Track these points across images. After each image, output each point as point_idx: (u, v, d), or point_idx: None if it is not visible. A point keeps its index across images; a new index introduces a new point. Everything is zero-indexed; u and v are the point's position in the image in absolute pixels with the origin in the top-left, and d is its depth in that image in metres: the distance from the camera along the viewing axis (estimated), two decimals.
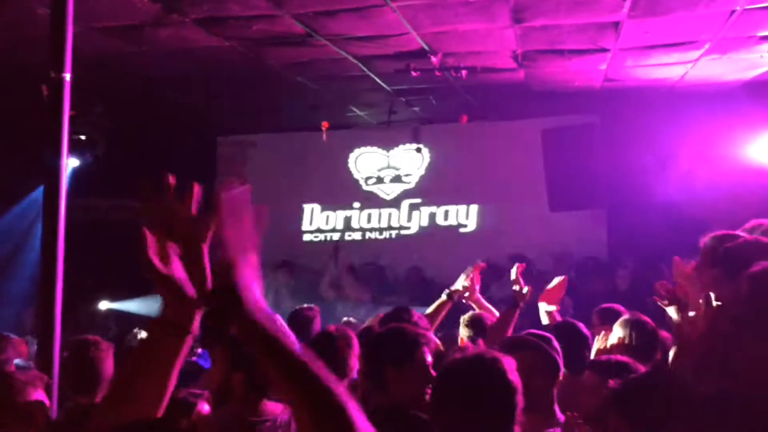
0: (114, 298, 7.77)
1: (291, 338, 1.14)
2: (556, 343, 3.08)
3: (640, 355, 3.94)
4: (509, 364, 2.05)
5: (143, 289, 7.56)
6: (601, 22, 4.89)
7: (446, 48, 5.50)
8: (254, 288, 1.16)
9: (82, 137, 6.29)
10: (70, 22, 2.99)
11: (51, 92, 3.01)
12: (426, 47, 5.44)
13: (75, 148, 6.35)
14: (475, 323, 4.08)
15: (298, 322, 4.87)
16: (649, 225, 7.97)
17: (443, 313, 4.29)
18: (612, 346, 4.11)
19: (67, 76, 3.01)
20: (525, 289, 4.07)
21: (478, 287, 4.28)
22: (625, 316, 4.14)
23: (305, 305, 5.37)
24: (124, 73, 6.08)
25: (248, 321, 1.14)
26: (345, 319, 5.31)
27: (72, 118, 3.15)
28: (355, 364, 3.31)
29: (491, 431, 1.98)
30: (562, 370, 3.03)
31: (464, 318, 4.15)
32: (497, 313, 4.18)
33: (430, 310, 4.28)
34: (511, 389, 2.00)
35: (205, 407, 2.48)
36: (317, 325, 4.77)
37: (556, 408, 2.94)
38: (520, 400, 2.01)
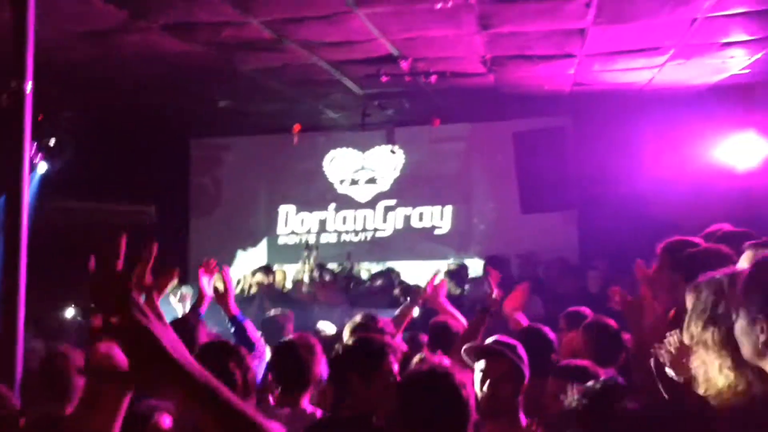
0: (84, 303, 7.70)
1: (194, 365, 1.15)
2: (521, 350, 3.14)
3: (603, 359, 4.02)
4: (461, 379, 2.10)
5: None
6: (566, 29, 4.96)
7: (416, 53, 5.55)
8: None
9: (51, 142, 6.24)
10: (31, 30, 2.98)
11: (12, 101, 3.00)
12: (395, 52, 5.48)
13: (44, 153, 6.32)
14: (433, 330, 4.12)
15: (270, 328, 4.90)
16: (619, 226, 8.08)
17: (408, 317, 4.34)
18: (576, 349, 4.19)
19: (29, 86, 3.00)
20: (495, 294, 4.12)
21: (443, 292, 4.32)
22: (588, 320, 4.22)
23: (278, 311, 5.40)
24: (93, 76, 6.05)
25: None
26: (318, 326, 5.33)
27: (40, 123, 3.14)
28: (319, 371, 3.34)
29: None
30: (528, 377, 3.10)
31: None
32: (462, 319, 4.23)
33: (396, 313, 4.33)
34: (462, 405, 2.06)
35: (165, 420, 2.47)
36: (289, 331, 4.80)
37: (521, 414, 3.01)
38: (472, 413, 2.06)
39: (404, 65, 5.74)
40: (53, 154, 6.60)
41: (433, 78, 6.09)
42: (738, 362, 1.73)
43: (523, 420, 2.99)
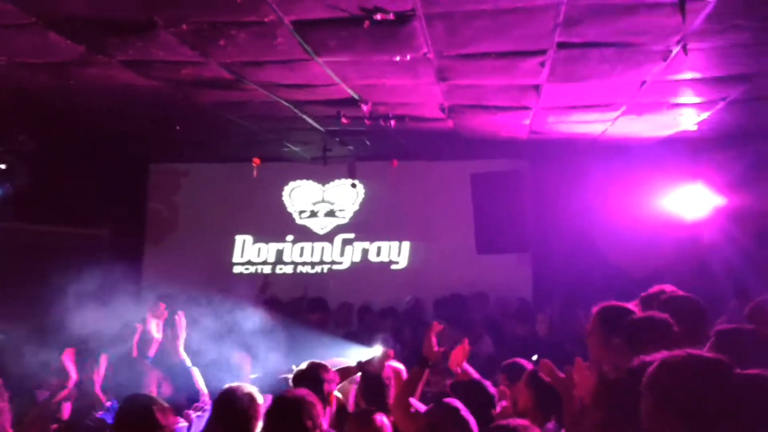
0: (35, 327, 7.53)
1: None
2: (464, 413, 3.18)
3: (547, 408, 4.08)
4: None
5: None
6: (522, 84, 5.08)
7: (375, 98, 5.61)
8: None
9: (2, 166, 6.14)
10: None
11: None
12: (355, 96, 5.54)
13: None
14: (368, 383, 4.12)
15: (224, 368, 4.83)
16: (573, 269, 8.24)
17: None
18: (517, 404, 4.24)
19: None
20: (435, 348, 4.16)
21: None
22: (528, 372, 4.29)
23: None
24: (51, 103, 5.98)
25: None
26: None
27: None
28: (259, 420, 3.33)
29: None
30: None
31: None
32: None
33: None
34: None
35: None
36: (247, 373, 4.75)
37: None
38: None
39: (365, 108, 5.80)
40: (5, 178, 6.49)
41: (393, 122, 6.18)
42: None
43: None
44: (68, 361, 4.29)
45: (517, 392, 4.42)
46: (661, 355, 1.92)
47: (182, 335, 4.32)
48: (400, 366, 4.36)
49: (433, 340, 4.14)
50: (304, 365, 4.04)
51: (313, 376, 3.69)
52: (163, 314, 4.25)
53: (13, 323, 7.26)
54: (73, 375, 4.31)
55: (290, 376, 4.94)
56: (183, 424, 3.84)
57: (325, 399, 3.57)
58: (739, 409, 1.61)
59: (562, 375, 3.06)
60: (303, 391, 3.30)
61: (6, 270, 7.81)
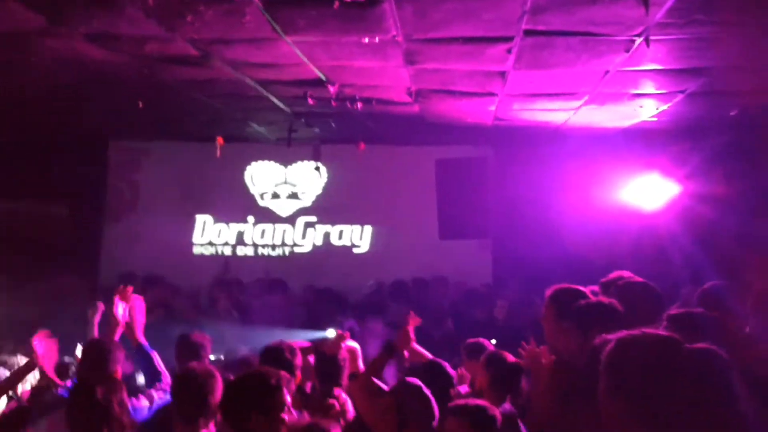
0: None
1: None
2: (426, 390, 3.23)
3: (502, 390, 4.18)
4: None
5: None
6: (488, 70, 5.13)
7: (343, 80, 5.60)
8: None
9: None
10: None
11: None
12: (323, 77, 5.52)
13: None
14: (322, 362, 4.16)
15: (188, 350, 4.77)
16: (532, 255, 8.37)
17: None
18: (476, 384, 4.33)
19: None
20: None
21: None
22: (487, 353, 4.38)
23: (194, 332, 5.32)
24: (9, 77, 5.83)
25: None
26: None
27: None
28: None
29: None
30: (437, 416, 3.19)
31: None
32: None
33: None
34: None
35: None
36: (207, 353, 4.74)
37: None
38: None
39: (332, 90, 5.79)
40: None
41: (359, 104, 6.18)
42: None
43: None
44: (39, 342, 4.22)
45: (475, 371, 4.51)
46: (619, 334, 1.98)
47: (140, 319, 4.30)
48: (356, 345, 4.40)
49: (411, 332, 4.21)
50: (271, 344, 4.05)
51: (279, 355, 3.71)
52: (128, 297, 4.21)
53: None
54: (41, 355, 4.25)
55: (250, 355, 4.95)
56: (145, 403, 3.84)
57: (291, 377, 3.60)
58: (689, 380, 1.68)
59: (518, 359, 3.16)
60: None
61: None
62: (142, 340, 4.14)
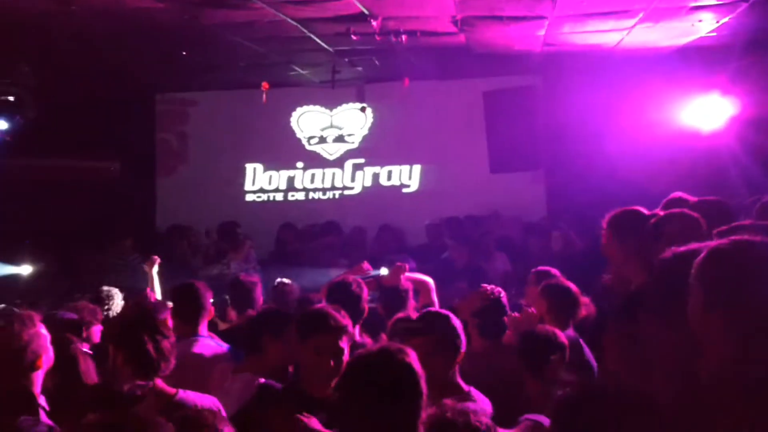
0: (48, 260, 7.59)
1: None
2: (454, 321, 3.18)
3: (561, 319, 4.12)
4: (413, 356, 2.14)
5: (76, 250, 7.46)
6: None
7: (386, 12, 5.46)
8: None
9: (10, 98, 6.05)
10: None
11: None
12: (365, 11, 5.39)
13: (3, 110, 6.15)
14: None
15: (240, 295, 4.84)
16: (586, 186, 8.18)
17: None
18: (536, 311, 4.29)
19: None
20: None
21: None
22: (547, 282, 4.31)
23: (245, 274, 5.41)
24: (54, 32, 5.85)
25: None
26: (279, 280, 5.30)
27: None
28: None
29: (401, 422, 2.07)
30: (463, 346, 3.15)
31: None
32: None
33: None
34: (417, 380, 2.10)
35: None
36: (258, 294, 4.80)
37: (460, 381, 3.06)
38: (425, 387, 2.10)
39: (375, 24, 5.65)
40: (13, 111, 6.41)
41: (404, 37, 6.03)
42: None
43: (465, 386, 3.06)
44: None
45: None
46: (707, 244, 1.86)
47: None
48: (426, 278, 4.35)
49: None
50: (336, 280, 4.05)
51: (347, 290, 3.71)
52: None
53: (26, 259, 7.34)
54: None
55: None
56: None
57: (359, 312, 3.62)
58: None
59: None
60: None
61: (20, 206, 7.84)
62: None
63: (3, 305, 4.43)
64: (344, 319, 2.91)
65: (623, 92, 8.04)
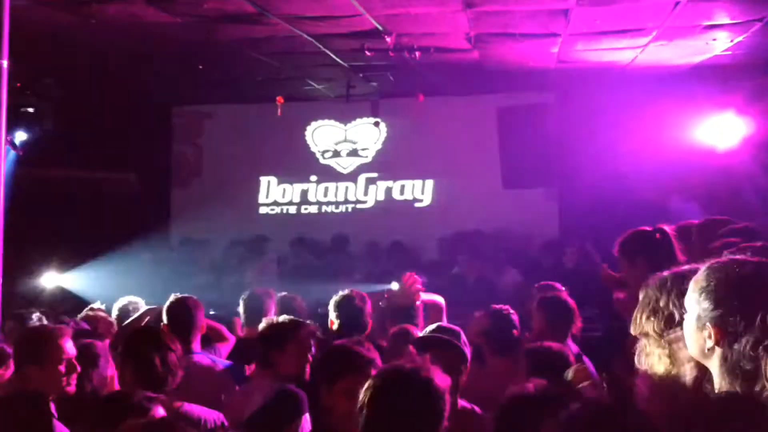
0: (66, 271, 7.68)
1: None
2: (464, 337, 3.20)
3: (556, 332, 4.11)
4: (437, 373, 2.14)
5: (94, 261, 7.53)
6: (550, 9, 4.95)
7: (400, 29, 5.51)
8: None
9: (30, 110, 6.15)
10: (6, 8, 2.94)
11: None
12: (380, 28, 5.44)
13: (23, 121, 6.25)
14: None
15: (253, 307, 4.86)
16: (600, 202, 8.16)
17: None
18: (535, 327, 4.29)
19: (5, 63, 2.96)
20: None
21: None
22: (541, 296, 4.32)
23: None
24: (74, 46, 5.96)
25: None
26: (283, 293, 5.29)
27: (18, 90, 3.12)
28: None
29: None
30: (469, 363, 3.17)
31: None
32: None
33: None
34: (442, 401, 2.09)
35: (160, 411, 2.51)
36: (271, 308, 4.82)
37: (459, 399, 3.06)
38: (448, 405, 2.11)
39: (389, 40, 5.70)
40: (32, 122, 6.51)
41: (418, 54, 6.07)
42: (675, 352, 1.84)
43: (461, 402, 3.06)
44: None
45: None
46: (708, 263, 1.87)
47: None
48: (438, 297, 4.33)
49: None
50: (341, 294, 4.06)
51: (350, 303, 3.73)
52: None
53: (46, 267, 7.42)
54: None
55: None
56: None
57: (362, 325, 3.62)
58: None
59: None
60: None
61: (37, 217, 7.93)
62: None
63: (36, 313, 4.47)
64: (369, 352, 2.71)
65: (637, 110, 8.02)
